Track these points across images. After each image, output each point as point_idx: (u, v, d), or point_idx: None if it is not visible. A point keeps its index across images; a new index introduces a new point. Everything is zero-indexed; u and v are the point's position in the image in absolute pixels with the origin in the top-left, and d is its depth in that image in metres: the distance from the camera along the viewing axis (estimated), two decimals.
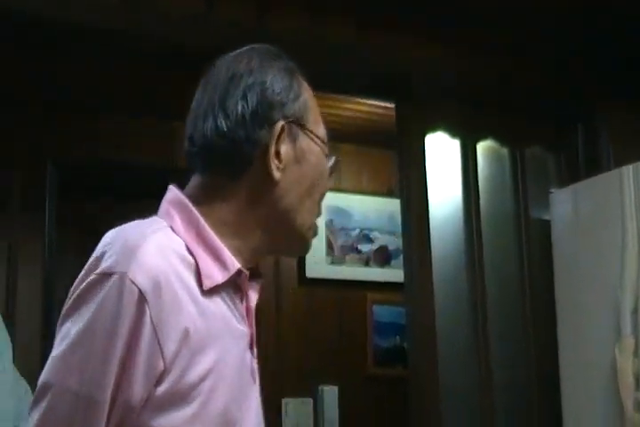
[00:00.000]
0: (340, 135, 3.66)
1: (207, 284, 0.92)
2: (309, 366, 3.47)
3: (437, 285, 2.66)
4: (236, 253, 0.96)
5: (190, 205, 0.97)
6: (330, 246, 3.61)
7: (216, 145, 0.98)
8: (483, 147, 2.85)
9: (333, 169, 1.09)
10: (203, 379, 0.88)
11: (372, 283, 3.65)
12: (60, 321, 0.90)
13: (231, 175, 0.99)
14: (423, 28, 2.64)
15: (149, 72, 2.93)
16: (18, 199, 2.92)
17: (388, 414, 3.53)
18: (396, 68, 2.66)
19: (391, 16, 2.58)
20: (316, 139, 1.04)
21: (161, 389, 0.86)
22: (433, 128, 2.75)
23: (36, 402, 0.88)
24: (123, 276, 0.86)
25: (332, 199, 3.63)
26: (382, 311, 3.67)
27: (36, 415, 0.87)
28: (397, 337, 3.67)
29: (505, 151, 2.89)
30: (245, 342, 0.99)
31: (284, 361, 3.42)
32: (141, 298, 0.85)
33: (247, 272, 0.98)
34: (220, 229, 0.96)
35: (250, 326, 1.00)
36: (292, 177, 1.00)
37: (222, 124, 0.98)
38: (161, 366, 0.86)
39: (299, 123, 1.02)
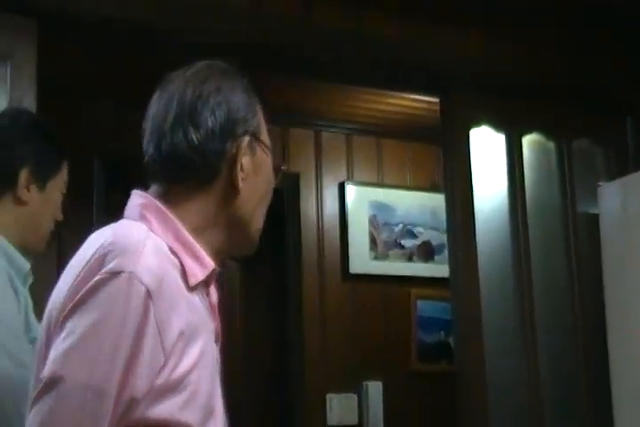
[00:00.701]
0: (382, 131, 3.68)
1: (192, 281, 1.01)
2: (353, 361, 3.47)
3: (483, 279, 2.65)
4: (206, 253, 1.06)
5: (165, 209, 1.05)
6: (373, 242, 3.61)
7: (186, 156, 1.06)
8: (529, 140, 2.83)
9: (277, 175, 1.18)
10: (191, 370, 0.95)
11: (415, 278, 3.64)
12: (64, 316, 0.94)
13: (199, 184, 1.07)
14: (467, 22, 2.63)
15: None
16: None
17: (433, 409, 3.52)
18: (441, 61, 2.65)
19: (435, 9, 2.57)
20: (267, 150, 1.14)
21: (159, 381, 0.92)
22: (478, 122, 2.73)
23: (43, 394, 0.90)
24: (131, 275, 0.92)
25: (374, 195, 3.64)
26: (426, 307, 3.65)
27: (44, 408, 0.90)
28: (442, 332, 3.66)
29: (551, 144, 2.86)
30: (212, 334, 1.07)
31: (329, 357, 3.43)
32: (147, 296, 0.92)
33: (218, 270, 1.08)
34: (190, 232, 1.05)
35: (215, 319, 1.10)
36: (250, 187, 1.10)
37: (193, 137, 1.06)
38: (162, 359, 0.92)
39: (256, 137, 1.12)
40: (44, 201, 1.54)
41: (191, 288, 1.00)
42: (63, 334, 0.92)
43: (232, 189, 1.08)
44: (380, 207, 3.64)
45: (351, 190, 3.61)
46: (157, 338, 0.92)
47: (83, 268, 0.95)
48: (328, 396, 3.40)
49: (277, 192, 4.07)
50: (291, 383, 3.43)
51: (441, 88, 2.76)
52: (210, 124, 1.06)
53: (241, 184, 1.08)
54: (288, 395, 3.44)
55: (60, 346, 0.92)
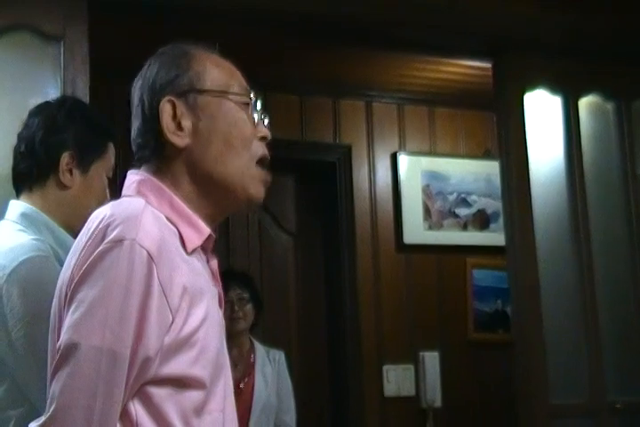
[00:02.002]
0: (434, 99, 3.63)
1: (190, 247, 1.05)
2: (409, 332, 3.47)
3: (540, 246, 2.61)
4: (201, 219, 1.09)
5: (157, 182, 1.10)
6: (427, 212, 3.58)
7: (138, 143, 1.13)
8: (585, 102, 2.75)
9: (259, 115, 1.14)
10: (198, 328, 1.00)
11: (470, 247, 3.61)
12: (72, 290, 0.99)
13: (166, 158, 1.11)
14: None
15: (280, 48, 2.94)
16: None
17: (490, 379, 3.50)
18: (494, 24, 2.59)
19: None
20: (217, 94, 1.12)
21: (168, 338, 0.97)
22: (532, 85, 2.67)
23: (61, 362, 0.95)
24: (132, 242, 0.97)
25: (427, 164, 3.60)
26: (482, 276, 3.62)
27: (63, 374, 0.94)
28: (499, 301, 3.63)
29: (609, 105, 2.78)
30: (216, 298, 1.11)
31: (384, 328, 3.44)
32: (149, 259, 0.96)
33: (214, 236, 1.11)
34: (184, 202, 1.09)
35: (217, 284, 1.14)
36: (203, 137, 1.10)
37: (136, 127, 1.14)
38: (170, 317, 0.97)
39: (192, 90, 1.11)
40: (88, 185, 1.56)
41: (190, 253, 1.05)
42: (74, 305, 0.97)
43: (177, 149, 1.10)
44: (433, 177, 3.61)
45: (403, 160, 3.58)
46: (163, 297, 0.96)
47: (86, 242, 1.00)
48: (385, 367, 3.41)
49: (329, 165, 4.07)
50: (347, 355, 3.44)
51: (494, 52, 2.71)
52: (140, 109, 1.13)
53: (179, 140, 1.09)
54: (344, 367, 3.46)
55: (72, 316, 0.96)
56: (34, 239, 1.47)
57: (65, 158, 1.53)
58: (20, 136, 1.60)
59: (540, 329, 2.55)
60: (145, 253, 0.96)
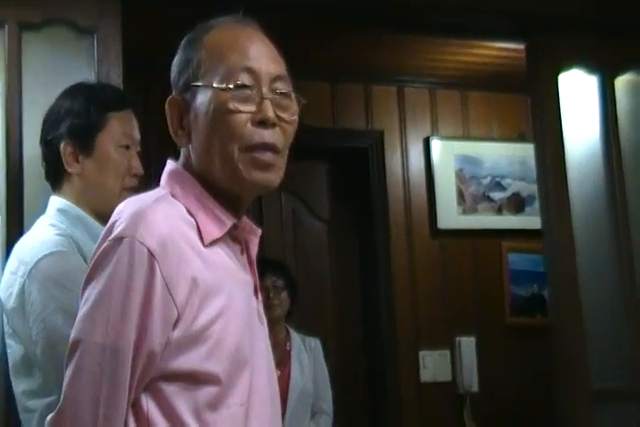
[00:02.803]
0: (467, 83, 3.61)
1: (207, 239, 1.03)
2: (445, 318, 3.47)
3: (577, 229, 2.58)
4: (228, 208, 1.08)
5: (187, 173, 1.09)
6: (461, 196, 3.57)
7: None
8: (622, 81, 2.70)
9: (255, 99, 1.07)
10: (213, 322, 0.99)
11: (506, 231, 3.59)
12: (82, 287, 1.01)
13: (183, 149, 1.12)
14: None
15: (310, 35, 2.93)
16: None
17: (528, 364, 3.48)
18: (526, 4, 2.55)
19: None
20: (203, 88, 1.07)
21: (177, 333, 0.97)
22: (567, 65, 2.63)
23: (68, 359, 0.98)
24: (132, 239, 0.97)
25: (460, 148, 3.58)
26: (518, 259, 3.60)
27: (69, 369, 0.98)
28: (535, 285, 3.60)
29: None
30: (250, 288, 1.10)
31: (420, 314, 3.44)
32: (150, 256, 0.97)
33: (242, 225, 1.10)
34: (210, 191, 1.08)
35: (253, 274, 1.13)
36: (196, 139, 1.09)
37: None
38: (175, 312, 0.97)
39: (190, 85, 1.09)
40: (98, 164, 1.55)
41: (208, 245, 1.03)
42: (82, 302, 1.00)
43: (187, 149, 1.10)
44: (466, 160, 3.59)
45: (436, 145, 3.56)
46: (167, 294, 0.96)
47: (100, 238, 1.02)
48: (421, 353, 3.42)
49: (362, 151, 4.06)
50: (382, 342, 3.45)
51: (527, 33, 2.66)
52: None
53: (181, 142, 1.10)
54: (380, 354, 3.47)
55: (80, 313, 0.99)
56: (57, 234, 1.49)
57: (65, 149, 1.54)
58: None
59: (578, 312, 2.52)
60: (145, 250, 0.96)
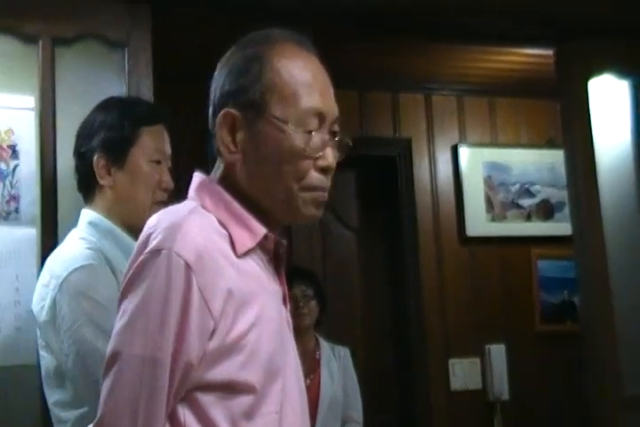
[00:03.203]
0: (494, 90, 3.59)
1: (240, 249, 1.04)
2: (475, 325, 3.45)
3: (608, 234, 2.56)
4: (262, 220, 1.08)
5: (215, 185, 1.10)
6: (489, 203, 3.55)
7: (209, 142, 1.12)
8: None
9: (321, 145, 1.08)
10: (247, 331, 1.00)
11: (535, 238, 3.57)
12: (119, 300, 1.02)
13: (220, 163, 1.12)
14: None
15: (337, 43, 2.95)
16: None
17: (560, 371, 3.45)
18: (555, 10, 2.54)
19: None
20: (277, 122, 1.07)
21: (213, 344, 0.98)
22: (598, 71, 2.61)
23: (106, 371, 0.98)
24: (169, 251, 0.98)
25: (489, 155, 3.57)
26: (548, 266, 3.57)
27: (107, 382, 0.98)
28: (565, 292, 3.57)
29: None
30: (279, 298, 1.11)
31: (449, 322, 3.43)
32: (187, 268, 0.97)
33: (275, 237, 1.10)
34: (243, 203, 1.08)
35: (282, 284, 1.14)
36: (252, 160, 1.08)
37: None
38: (211, 324, 0.97)
39: (255, 106, 1.07)
40: (130, 177, 1.57)
41: (240, 256, 1.04)
42: (119, 315, 1.00)
43: (228, 164, 1.10)
44: (494, 167, 3.58)
45: (464, 152, 3.55)
46: (203, 305, 0.97)
47: (134, 251, 1.03)
48: (451, 361, 3.40)
49: (390, 159, 4.04)
50: (412, 350, 3.44)
51: (556, 39, 2.65)
52: (212, 111, 1.12)
53: (229, 157, 1.09)
54: (410, 362, 3.46)
55: (117, 325, 1.00)
56: (87, 248, 1.52)
57: (98, 161, 1.57)
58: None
59: (610, 317, 2.51)
60: (182, 262, 0.97)
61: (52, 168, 1.97)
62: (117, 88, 2.09)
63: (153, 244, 0.99)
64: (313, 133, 1.07)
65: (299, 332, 2.78)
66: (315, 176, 1.08)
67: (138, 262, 1.00)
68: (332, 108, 1.11)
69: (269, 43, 1.10)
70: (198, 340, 0.97)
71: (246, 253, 1.05)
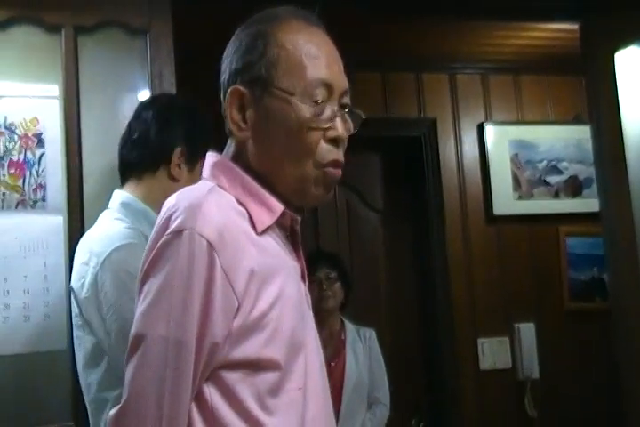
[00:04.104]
0: (519, 67, 3.55)
1: (260, 227, 1.05)
2: (503, 304, 3.44)
3: (637, 211, 2.52)
4: (277, 198, 1.08)
5: (231, 163, 1.10)
6: (516, 181, 3.52)
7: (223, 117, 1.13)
8: None
9: (330, 116, 1.08)
10: (270, 308, 1.00)
11: (563, 215, 3.53)
12: (140, 281, 1.01)
13: (235, 142, 1.12)
14: None
15: (360, 24, 2.93)
16: None
17: (590, 348, 3.43)
18: None
19: None
20: (283, 94, 1.06)
21: (236, 323, 0.98)
22: (624, 43, 2.55)
23: (130, 353, 0.98)
24: (192, 231, 0.97)
25: (515, 133, 3.53)
26: (577, 243, 3.54)
27: (132, 364, 0.98)
28: (595, 269, 3.54)
29: None
30: (298, 274, 1.11)
31: (477, 301, 3.42)
32: (210, 248, 0.97)
33: (291, 213, 1.10)
34: (258, 182, 1.08)
35: (299, 259, 1.14)
36: (263, 137, 1.08)
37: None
38: (235, 303, 0.97)
39: (260, 82, 1.07)
40: (192, 181, 1.59)
41: (260, 234, 1.04)
42: (142, 296, 1.00)
43: (239, 141, 1.10)
44: (521, 145, 3.54)
45: (490, 131, 3.52)
46: (227, 284, 0.97)
47: (154, 232, 1.03)
48: (479, 340, 3.39)
49: (415, 140, 4.01)
50: (440, 330, 3.44)
51: (581, 11, 2.60)
52: (222, 91, 1.12)
53: (239, 134, 1.09)
54: (438, 342, 3.46)
55: (139, 308, 0.99)
56: (126, 227, 1.55)
57: (177, 153, 1.62)
58: (131, 125, 1.68)
59: (639, 294, 2.48)
60: (205, 242, 0.96)
61: (77, 156, 2.00)
62: (140, 75, 2.11)
63: (174, 225, 0.99)
64: (320, 104, 1.07)
65: (323, 314, 2.83)
66: (325, 147, 1.08)
67: (160, 243, 0.99)
68: (340, 80, 1.10)
69: (274, 20, 1.11)
70: (223, 320, 0.97)
71: (265, 231, 1.06)
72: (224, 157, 1.12)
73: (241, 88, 1.08)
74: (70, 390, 1.85)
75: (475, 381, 3.37)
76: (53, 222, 1.93)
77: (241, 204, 1.05)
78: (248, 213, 1.05)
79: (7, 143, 1.94)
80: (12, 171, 1.93)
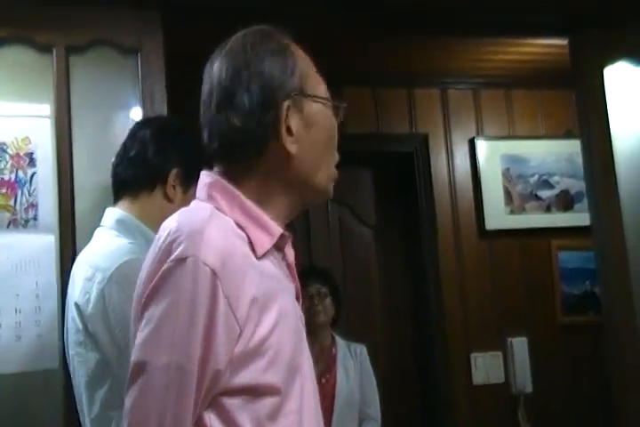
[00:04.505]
0: (510, 81, 3.58)
1: (260, 251, 1.06)
2: (496, 319, 3.44)
3: (628, 225, 2.53)
4: (274, 218, 1.10)
5: (230, 186, 1.10)
6: (508, 196, 3.54)
7: (233, 139, 1.10)
8: None
9: (341, 115, 1.17)
10: (270, 333, 1.00)
11: (555, 229, 3.54)
12: (141, 308, 1.01)
13: (251, 159, 1.10)
14: None
15: (351, 40, 2.95)
16: None
17: (583, 362, 3.44)
18: None
19: None
20: (318, 99, 1.13)
21: (237, 349, 0.97)
22: (613, 58, 2.57)
23: (132, 380, 0.97)
24: (195, 259, 0.97)
25: (506, 147, 3.55)
26: (569, 257, 3.55)
27: (133, 391, 0.97)
28: (587, 283, 3.55)
29: None
30: (293, 294, 1.12)
31: (470, 316, 3.42)
32: (213, 276, 0.97)
33: (288, 235, 1.12)
34: (257, 204, 1.09)
35: (293, 279, 1.15)
36: (306, 144, 1.11)
37: (234, 120, 1.09)
38: (237, 329, 0.97)
39: (301, 93, 1.11)
40: (186, 203, 1.61)
41: (261, 257, 1.05)
42: (143, 323, 0.99)
43: (287, 155, 1.10)
44: (512, 160, 3.56)
45: (482, 146, 3.54)
46: (229, 312, 0.97)
47: (154, 258, 1.01)
48: (472, 355, 3.39)
49: (407, 155, 4.02)
50: (433, 345, 3.44)
51: (569, 27, 2.62)
52: (247, 103, 1.08)
53: (293, 147, 1.10)
54: (431, 357, 3.46)
55: (141, 334, 0.98)
56: (130, 243, 1.56)
57: (174, 174, 1.63)
58: (126, 144, 1.68)
59: (630, 308, 2.48)
60: (208, 270, 0.96)
61: (68, 175, 2.00)
62: (131, 93, 2.12)
63: (177, 251, 0.98)
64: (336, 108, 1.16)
65: (314, 329, 2.83)
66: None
67: (163, 270, 0.98)
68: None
69: (282, 35, 1.16)
70: (225, 347, 0.96)
71: (264, 254, 1.06)
72: (220, 177, 1.11)
73: (287, 102, 1.10)
74: (63, 408, 1.84)
75: (468, 395, 3.37)
76: (45, 241, 1.93)
77: (240, 227, 1.06)
78: (247, 236, 1.05)
79: None
80: (4, 190, 1.94)
